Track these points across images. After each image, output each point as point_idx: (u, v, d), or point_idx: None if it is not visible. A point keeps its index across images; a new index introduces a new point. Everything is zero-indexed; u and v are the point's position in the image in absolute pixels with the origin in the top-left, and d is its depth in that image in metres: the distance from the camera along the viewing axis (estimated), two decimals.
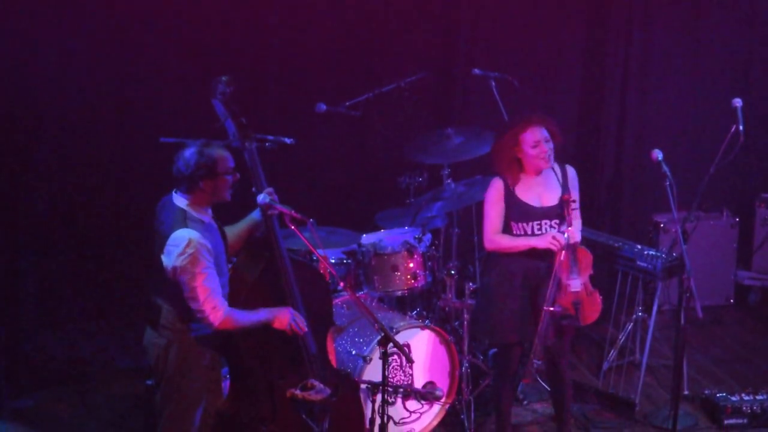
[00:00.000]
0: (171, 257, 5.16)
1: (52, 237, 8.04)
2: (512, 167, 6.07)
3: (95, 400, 7.21)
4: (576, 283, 6.01)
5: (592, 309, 6.14)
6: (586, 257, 6.06)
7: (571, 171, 6.18)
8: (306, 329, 5.49)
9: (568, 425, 6.48)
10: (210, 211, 5.36)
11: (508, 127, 6.12)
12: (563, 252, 5.94)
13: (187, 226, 5.18)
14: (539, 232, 6.03)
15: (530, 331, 6.07)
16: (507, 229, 6.10)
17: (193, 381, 5.36)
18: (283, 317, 5.42)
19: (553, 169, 6.12)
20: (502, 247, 6.09)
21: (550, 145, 6.01)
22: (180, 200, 5.27)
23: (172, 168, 5.27)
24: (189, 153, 5.23)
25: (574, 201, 6.03)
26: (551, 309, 5.99)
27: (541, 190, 6.08)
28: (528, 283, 6.07)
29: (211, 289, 5.18)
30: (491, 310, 6.16)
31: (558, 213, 6.05)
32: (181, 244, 5.14)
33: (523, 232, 6.06)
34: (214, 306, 5.18)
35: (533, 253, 6.04)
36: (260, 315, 5.38)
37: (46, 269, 8.03)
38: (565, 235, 5.94)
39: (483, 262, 6.59)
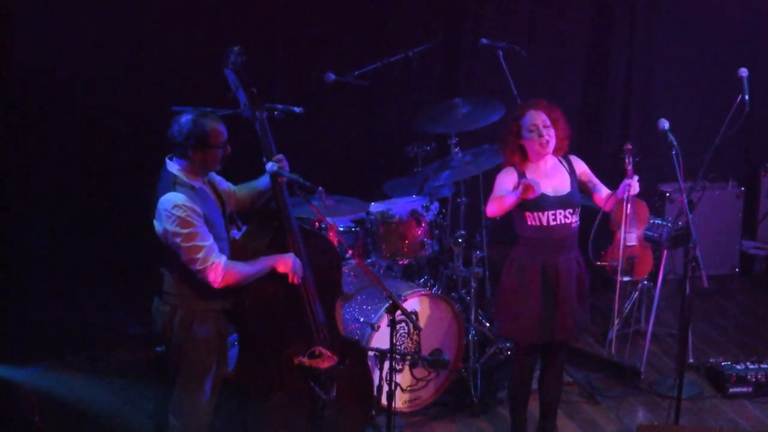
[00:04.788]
0: (161, 221, 5.21)
1: (63, 205, 8.06)
2: (516, 155, 5.99)
3: (106, 367, 7.25)
4: (633, 237, 5.93)
5: (645, 263, 6.08)
6: (643, 210, 5.95)
7: (575, 159, 6.11)
8: (300, 281, 5.48)
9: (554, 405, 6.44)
10: (203, 177, 5.38)
11: (510, 115, 6.09)
12: (627, 204, 5.83)
13: (175, 191, 5.20)
14: (554, 223, 5.91)
15: (550, 331, 6.01)
16: (521, 219, 5.99)
17: (199, 348, 5.37)
18: (287, 261, 5.43)
19: (560, 161, 6.06)
20: (497, 208, 5.89)
21: (550, 131, 5.91)
22: (173, 166, 5.30)
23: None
24: (184, 120, 5.25)
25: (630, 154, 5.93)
26: (605, 264, 5.92)
27: (554, 180, 5.99)
28: (546, 279, 5.96)
29: (206, 246, 5.19)
30: (511, 310, 6.07)
31: (570, 203, 5.95)
32: (168, 207, 5.17)
33: (537, 222, 5.93)
34: (213, 263, 5.19)
35: (550, 247, 5.95)
36: (262, 263, 5.38)
37: (58, 237, 8.06)
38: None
39: (503, 259, 6.28)
